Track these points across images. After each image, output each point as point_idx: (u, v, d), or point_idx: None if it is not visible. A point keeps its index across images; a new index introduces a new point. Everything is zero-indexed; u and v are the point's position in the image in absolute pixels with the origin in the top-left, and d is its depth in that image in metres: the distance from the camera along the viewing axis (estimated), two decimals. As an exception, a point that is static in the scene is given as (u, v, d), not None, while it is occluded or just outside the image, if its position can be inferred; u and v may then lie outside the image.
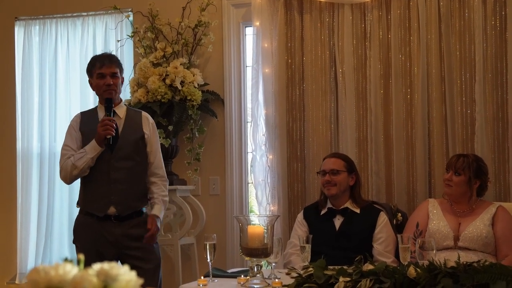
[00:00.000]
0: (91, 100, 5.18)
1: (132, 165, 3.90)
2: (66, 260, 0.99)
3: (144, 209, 4.01)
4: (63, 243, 5.31)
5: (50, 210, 5.28)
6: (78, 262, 0.98)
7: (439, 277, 2.78)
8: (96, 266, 0.96)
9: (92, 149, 3.80)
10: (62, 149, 3.94)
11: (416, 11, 4.68)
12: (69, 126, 3.99)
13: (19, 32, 5.49)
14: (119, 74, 3.93)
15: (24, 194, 5.34)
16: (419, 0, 4.65)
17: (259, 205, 4.82)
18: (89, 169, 3.85)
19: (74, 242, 4.03)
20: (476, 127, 4.52)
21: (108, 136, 3.76)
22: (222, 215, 5.06)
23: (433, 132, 4.64)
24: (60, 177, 3.97)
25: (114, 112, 3.90)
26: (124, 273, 0.94)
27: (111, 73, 3.90)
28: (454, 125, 4.59)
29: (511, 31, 4.54)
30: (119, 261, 3.93)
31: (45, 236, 5.27)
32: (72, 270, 0.93)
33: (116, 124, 3.82)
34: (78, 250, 4.00)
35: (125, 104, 4.11)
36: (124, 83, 4.07)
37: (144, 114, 4.06)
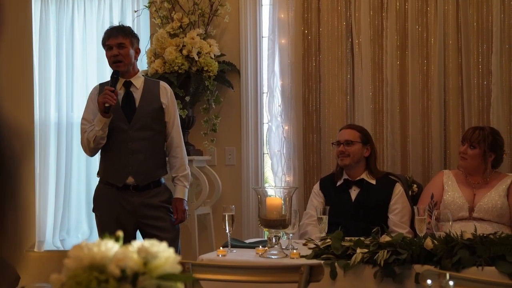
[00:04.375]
0: (107, 70, 5.19)
1: (151, 135, 3.95)
2: (106, 236, 1.02)
3: (163, 180, 4.06)
4: (80, 212, 5.37)
5: (68, 180, 5.33)
6: (117, 239, 1.01)
7: (456, 248, 2.82)
8: (137, 243, 1.00)
9: (98, 121, 3.84)
10: (81, 123, 3.99)
11: (433, -19, 4.65)
12: (88, 98, 4.03)
13: (35, 2, 5.49)
14: (128, 44, 3.92)
15: (42, 164, 5.39)
16: (437, -29, 4.62)
17: (275, 176, 4.86)
18: (106, 139, 3.89)
19: (93, 211, 4.10)
20: (492, 99, 4.51)
21: (107, 105, 3.78)
22: (238, 186, 5.10)
23: (449, 103, 4.64)
24: (84, 151, 4.05)
25: (130, 83, 3.94)
26: (164, 250, 0.97)
27: (117, 43, 3.90)
28: (470, 96, 4.58)
29: (529, 2, 4.52)
30: (138, 230, 4.01)
31: (63, 205, 5.33)
32: (113, 247, 0.97)
33: (117, 95, 3.84)
34: (98, 219, 4.09)
35: (142, 75, 4.13)
36: (140, 53, 4.09)
37: (162, 84, 4.07)
